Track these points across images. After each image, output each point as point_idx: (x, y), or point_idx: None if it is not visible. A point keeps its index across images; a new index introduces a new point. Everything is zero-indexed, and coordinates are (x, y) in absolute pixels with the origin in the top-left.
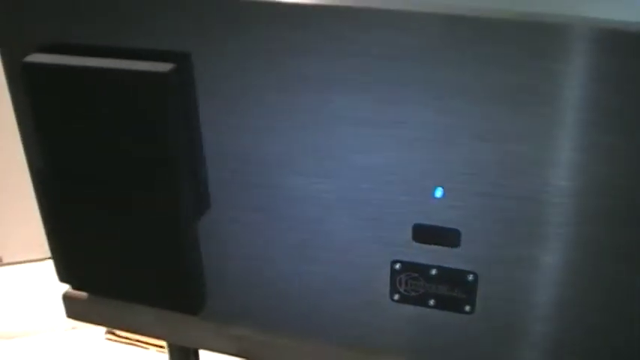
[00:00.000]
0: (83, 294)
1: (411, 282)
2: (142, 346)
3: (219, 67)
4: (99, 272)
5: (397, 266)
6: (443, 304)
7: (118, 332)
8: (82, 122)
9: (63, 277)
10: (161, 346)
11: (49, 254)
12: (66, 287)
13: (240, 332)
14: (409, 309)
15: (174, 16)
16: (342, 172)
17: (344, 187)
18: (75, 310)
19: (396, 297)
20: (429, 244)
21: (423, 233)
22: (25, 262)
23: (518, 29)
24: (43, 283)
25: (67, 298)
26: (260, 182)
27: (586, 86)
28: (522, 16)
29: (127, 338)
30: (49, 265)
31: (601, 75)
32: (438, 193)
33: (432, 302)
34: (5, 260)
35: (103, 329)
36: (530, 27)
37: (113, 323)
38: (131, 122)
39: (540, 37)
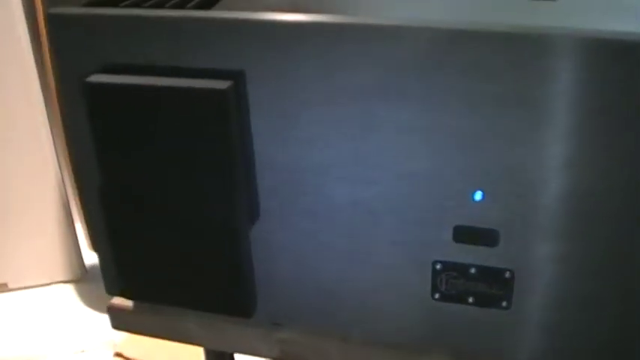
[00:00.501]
0: (129, 305)
1: (452, 281)
2: None
3: (270, 84)
4: (156, 281)
5: (438, 266)
6: (481, 301)
7: (125, 354)
8: (143, 138)
9: (114, 289)
10: None
11: (54, 279)
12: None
13: (285, 336)
14: (450, 307)
15: (229, 37)
16: (385, 179)
17: (387, 192)
18: (120, 320)
19: (437, 296)
20: (469, 244)
21: (464, 234)
22: (30, 287)
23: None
24: (49, 308)
25: (112, 309)
26: (307, 190)
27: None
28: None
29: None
30: (54, 290)
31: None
32: (478, 196)
33: (471, 300)
34: (11, 286)
35: (111, 351)
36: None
37: (157, 332)
38: (191, 137)
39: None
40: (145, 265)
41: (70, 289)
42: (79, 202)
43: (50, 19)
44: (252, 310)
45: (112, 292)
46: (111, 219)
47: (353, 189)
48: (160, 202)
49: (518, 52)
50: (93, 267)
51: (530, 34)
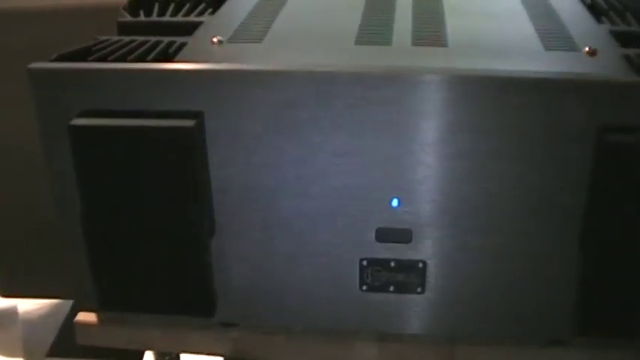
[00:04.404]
0: (94, 319)
1: (375, 274)
2: None
3: (226, 120)
4: (132, 292)
5: (364, 263)
6: (400, 288)
7: None
8: (120, 170)
9: (86, 305)
10: None
11: None
12: None
13: (238, 335)
14: (375, 296)
15: (188, 84)
16: (322, 194)
17: (324, 204)
18: (86, 335)
19: (364, 287)
20: (388, 242)
21: (384, 234)
22: None
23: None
24: None
25: (77, 324)
26: (260, 207)
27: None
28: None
29: None
30: None
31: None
32: (395, 203)
33: (392, 288)
34: None
35: None
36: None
37: (123, 343)
38: (162, 167)
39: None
40: (122, 279)
41: None
42: None
43: (29, 72)
44: (214, 310)
45: (84, 308)
46: (92, 241)
47: (297, 203)
48: (135, 222)
49: (426, 89)
50: None
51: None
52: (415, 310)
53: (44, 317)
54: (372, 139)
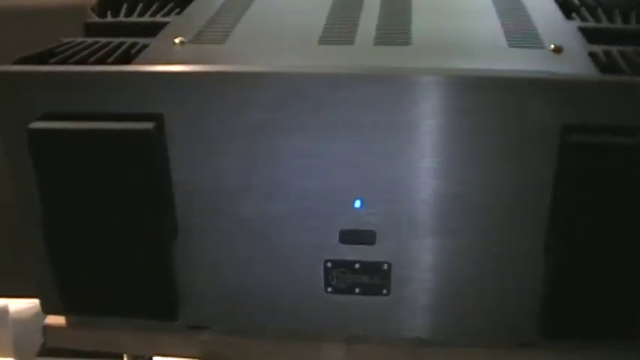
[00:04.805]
0: (63, 323)
1: (341, 276)
2: None
3: (187, 122)
4: (94, 296)
5: (329, 264)
6: (366, 290)
7: None
8: (80, 173)
9: (52, 308)
10: None
11: None
12: None
13: (206, 337)
14: (341, 297)
15: (147, 86)
16: (285, 196)
17: (288, 207)
18: (56, 338)
19: (330, 289)
20: (352, 244)
21: (347, 236)
22: None
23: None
24: None
25: (47, 328)
26: (223, 209)
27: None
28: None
29: None
30: None
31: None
32: (357, 204)
33: (357, 290)
34: None
35: None
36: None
37: (92, 346)
38: (122, 170)
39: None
40: (85, 282)
41: None
42: None
43: None
44: (176, 314)
45: (50, 311)
46: (53, 244)
47: (261, 205)
48: (95, 225)
49: (387, 89)
50: None
51: (393, 75)
52: (381, 312)
53: (35, 317)
54: (334, 141)
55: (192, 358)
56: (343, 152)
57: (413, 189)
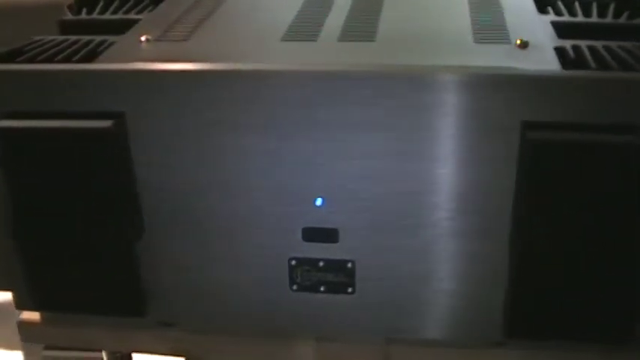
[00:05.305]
0: (37, 318)
1: (305, 274)
2: None
3: (149, 121)
4: (64, 293)
5: (293, 262)
6: (331, 289)
7: None
8: (46, 171)
9: (23, 304)
10: None
11: None
12: None
13: (176, 335)
14: (306, 296)
15: (108, 85)
16: (249, 194)
17: (247, 205)
18: (30, 334)
19: (295, 287)
20: (315, 242)
21: (310, 234)
22: None
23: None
24: None
25: (21, 324)
26: (186, 207)
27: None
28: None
29: None
30: None
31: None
32: (319, 202)
33: (322, 288)
34: None
35: None
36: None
37: (66, 341)
38: (85, 168)
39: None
40: (54, 279)
41: None
42: None
43: None
44: (143, 311)
45: (23, 307)
46: (22, 241)
47: (225, 203)
48: (61, 223)
49: (344, 86)
50: None
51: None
52: (347, 311)
53: None
54: (295, 139)
55: (165, 355)
56: (305, 150)
57: (374, 187)
